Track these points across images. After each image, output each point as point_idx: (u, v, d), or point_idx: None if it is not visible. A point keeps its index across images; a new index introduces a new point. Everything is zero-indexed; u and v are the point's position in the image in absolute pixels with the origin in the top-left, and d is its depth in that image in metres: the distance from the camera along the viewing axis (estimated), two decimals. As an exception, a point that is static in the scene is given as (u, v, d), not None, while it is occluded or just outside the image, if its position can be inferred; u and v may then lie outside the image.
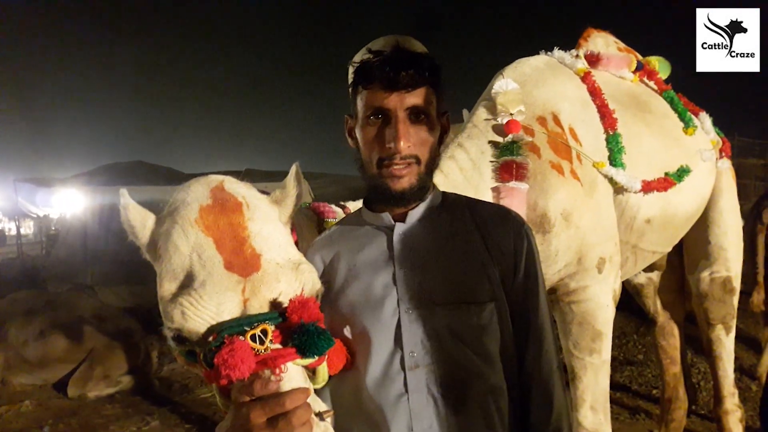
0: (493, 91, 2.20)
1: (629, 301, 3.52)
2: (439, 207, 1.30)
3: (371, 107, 1.20)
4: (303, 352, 0.98)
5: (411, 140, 1.18)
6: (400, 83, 1.16)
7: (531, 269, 1.24)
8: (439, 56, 1.24)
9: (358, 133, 1.26)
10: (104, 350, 5.36)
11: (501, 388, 1.18)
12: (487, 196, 2.04)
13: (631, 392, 4.68)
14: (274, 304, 1.03)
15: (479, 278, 1.20)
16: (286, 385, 0.94)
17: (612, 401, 4.13)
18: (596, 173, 2.24)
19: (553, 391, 1.21)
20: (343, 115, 1.32)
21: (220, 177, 1.16)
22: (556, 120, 2.25)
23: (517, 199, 2.00)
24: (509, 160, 2.03)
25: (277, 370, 0.95)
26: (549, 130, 2.20)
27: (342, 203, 1.92)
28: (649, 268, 3.14)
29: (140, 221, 1.11)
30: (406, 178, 1.20)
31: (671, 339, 3.50)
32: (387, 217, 1.27)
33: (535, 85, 2.33)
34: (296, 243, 1.22)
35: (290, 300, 1.03)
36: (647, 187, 2.37)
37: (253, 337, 0.96)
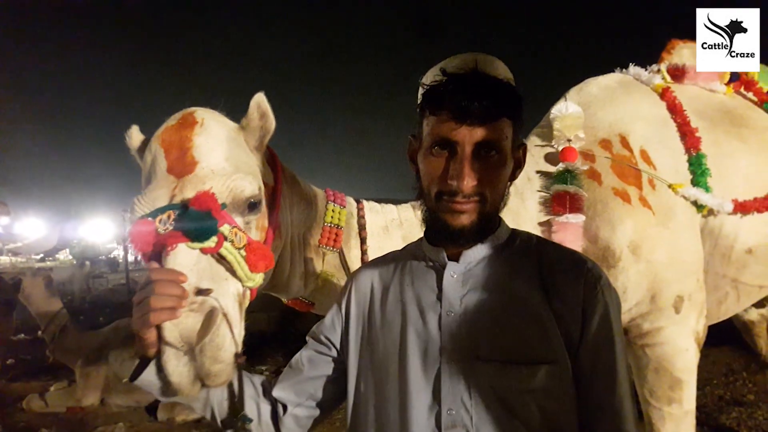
0: (551, 115, 2.06)
1: (738, 335, 3.11)
2: (501, 248, 1.13)
3: (437, 137, 1.04)
4: (187, 235, 1.12)
5: (477, 178, 1.03)
6: (472, 115, 1.00)
7: (605, 335, 1.02)
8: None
9: (420, 161, 1.11)
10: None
11: None
12: (528, 227, 1.89)
13: (739, 437, 4.11)
14: None
15: (534, 335, 1.02)
16: (170, 263, 1.10)
17: (718, 446, 3.64)
18: (675, 199, 2.02)
19: None
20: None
21: (199, 108, 1.37)
22: (624, 142, 2.06)
23: (571, 233, 1.85)
24: (562, 191, 1.88)
25: (168, 248, 1.11)
26: (614, 154, 2.01)
27: (360, 200, 1.89)
28: (760, 304, 2.75)
29: (135, 142, 1.43)
30: (466, 215, 1.05)
31: None
32: (441, 253, 1.13)
33: (602, 106, 2.15)
34: (277, 181, 1.52)
35: None
36: (742, 208, 2.09)
37: (162, 222, 1.13)
